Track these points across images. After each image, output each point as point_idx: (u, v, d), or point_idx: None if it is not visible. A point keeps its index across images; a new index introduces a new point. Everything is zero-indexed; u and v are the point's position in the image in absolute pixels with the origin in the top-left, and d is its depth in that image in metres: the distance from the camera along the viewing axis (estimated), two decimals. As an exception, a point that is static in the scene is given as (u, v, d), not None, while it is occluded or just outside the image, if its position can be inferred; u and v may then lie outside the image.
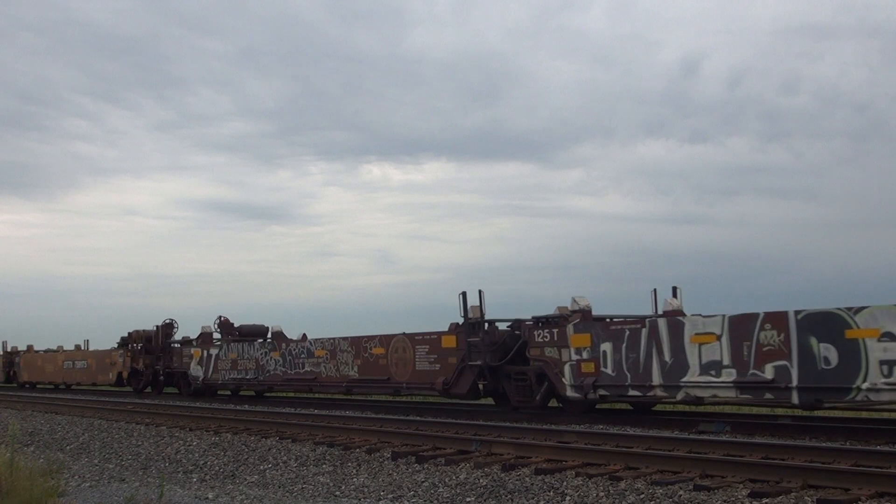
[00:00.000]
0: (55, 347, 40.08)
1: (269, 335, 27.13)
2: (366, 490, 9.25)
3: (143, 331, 31.64)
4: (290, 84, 75.83)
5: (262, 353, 24.35)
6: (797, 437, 12.20)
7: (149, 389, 31.68)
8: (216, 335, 28.08)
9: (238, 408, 21.14)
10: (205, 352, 27.03)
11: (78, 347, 38.07)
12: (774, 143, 61.87)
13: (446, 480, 9.36)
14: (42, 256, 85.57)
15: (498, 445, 10.92)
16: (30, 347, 42.04)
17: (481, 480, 9.18)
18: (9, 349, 43.43)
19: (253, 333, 27.59)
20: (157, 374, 30.66)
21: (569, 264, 72.89)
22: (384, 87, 72.83)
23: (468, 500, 8.48)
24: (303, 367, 22.56)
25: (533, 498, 8.27)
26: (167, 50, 73.19)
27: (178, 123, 79.20)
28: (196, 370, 27.26)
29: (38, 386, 40.71)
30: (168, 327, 31.02)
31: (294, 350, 23.08)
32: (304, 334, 23.92)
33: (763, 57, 60.95)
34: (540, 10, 69.30)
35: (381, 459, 11.10)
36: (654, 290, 16.69)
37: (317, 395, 25.52)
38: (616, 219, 69.36)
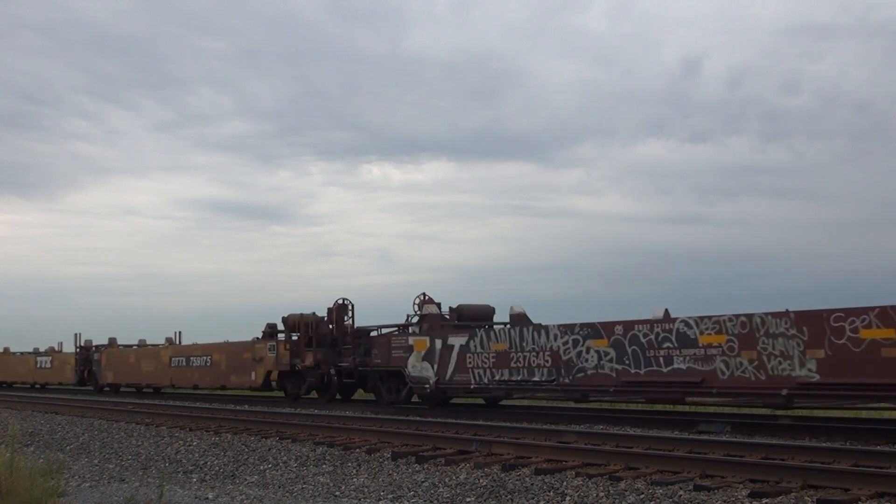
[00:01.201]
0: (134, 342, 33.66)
1: (509, 319, 19.15)
2: (366, 490, 9.25)
3: (311, 314, 23.63)
4: (290, 84, 75.97)
5: (565, 343, 16.39)
6: (797, 437, 12.21)
7: (313, 394, 23.51)
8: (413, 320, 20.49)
9: (238, 408, 21.13)
10: (437, 341, 18.95)
11: (170, 341, 31.66)
12: (774, 143, 61.99)
13: (446, 480, 9.36)
14: (42, 256, 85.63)
15: (498, 445, 10.92)
16: (112, 341, 33.99)
17: (481, 480, 9.18)
18: (83, 342, 35.14)
19: (478, 317, 20.54)
20: (328, 373, 22.94)
21: (569, 264, 73.00)
22: (384, 87, 72.99)
23: (468, 500, 8.48)
24: (668, 364, 14.66)
25: (533, 498, 8.27)
26: (167, 50, 73.36)
27: (178, 123, 79.34)
28: (419, 368, 19.28)
29: (121, 389, 32.52)
30: (343, 309, 23.23)
31: (646, 335, 15.03)
32: (666, 310, 15.46)
33: (763, 57, 61.07)
34: (540, 10, 69.43)
35: (381, 459, 11.10)
36: None
37: (692, 409, 16.73)
38: (616, 219, 69.44)
